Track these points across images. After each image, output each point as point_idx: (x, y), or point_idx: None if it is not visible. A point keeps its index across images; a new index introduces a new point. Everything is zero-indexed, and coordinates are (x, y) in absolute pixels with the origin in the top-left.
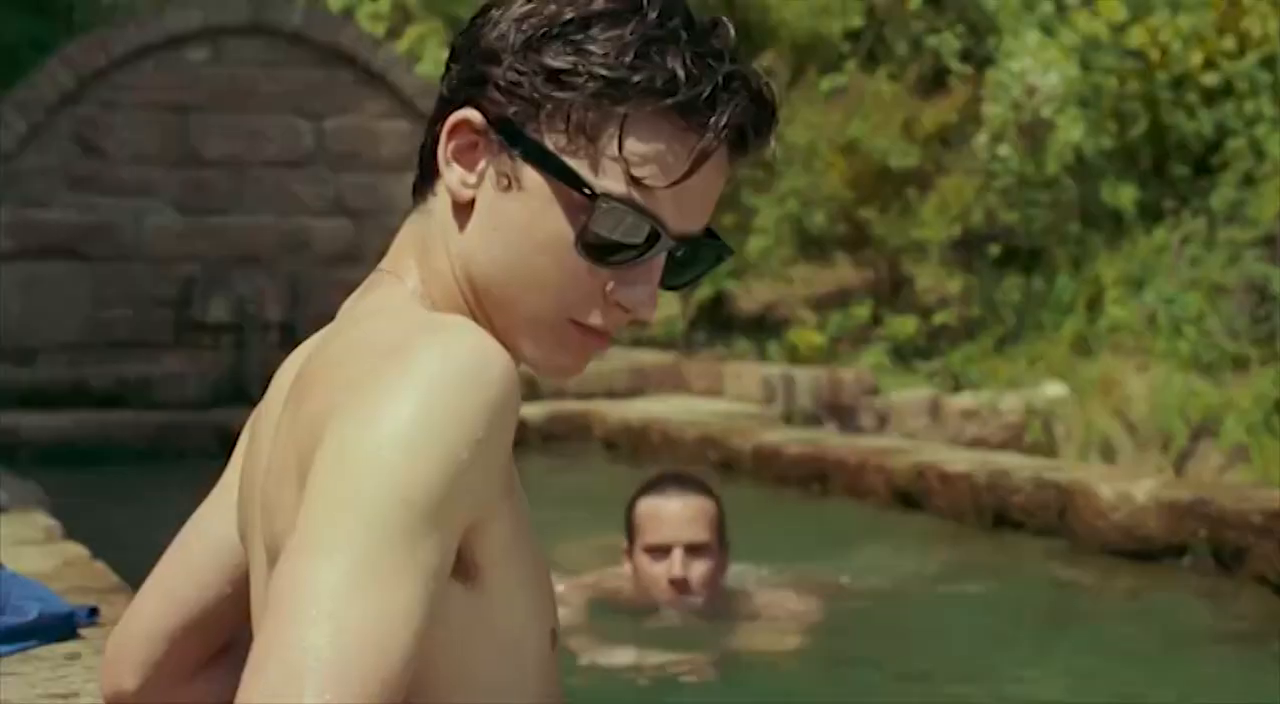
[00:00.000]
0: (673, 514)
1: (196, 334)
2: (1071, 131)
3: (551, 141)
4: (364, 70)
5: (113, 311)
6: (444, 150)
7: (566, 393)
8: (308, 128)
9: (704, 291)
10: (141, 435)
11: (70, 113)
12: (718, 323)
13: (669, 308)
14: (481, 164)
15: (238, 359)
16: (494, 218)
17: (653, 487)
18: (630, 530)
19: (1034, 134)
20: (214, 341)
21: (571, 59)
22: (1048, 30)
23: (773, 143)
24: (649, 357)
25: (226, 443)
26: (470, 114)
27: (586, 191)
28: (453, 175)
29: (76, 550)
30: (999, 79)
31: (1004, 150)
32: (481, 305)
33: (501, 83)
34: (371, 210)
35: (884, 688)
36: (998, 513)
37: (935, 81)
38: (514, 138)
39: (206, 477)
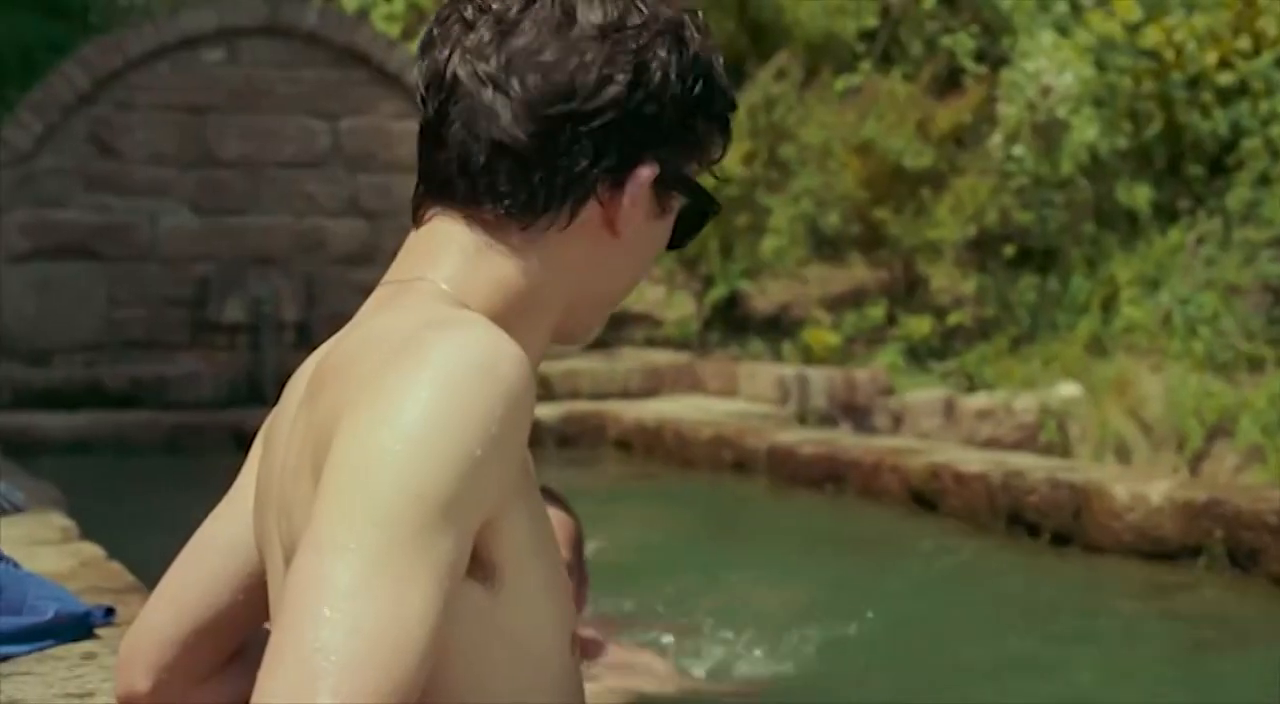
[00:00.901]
0: None
1: (212, 334)
2: (1086, 131)
3: (687, 168)
4: (379, 71)
5: (128, 312)
6: (629, 202)
7: (581, 393)
8: (323, 128)
9: (719, 292)
10: (157, 435)
11: (86, 114)
12: (732, 323)
13: (684, 308)
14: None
15: (253, 359)
16: (633, 241)
17: None
18: None
19: (1049, 134)
20: (229, 342)
21: (721, 102)
22: (1062, 30)
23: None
24: (663, 357)
25: (242, 442)
26: (653, 171)
27: (714, 210)
28: (626, 221)
29: (92, 550)
30: (1013, 79)
31: (1019, 150)
32: (564, 305)
33: (680, 136)
34: (387, 211)
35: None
36: (1012, 513)
37: (950, 81)
38: (677, 177)
39: (222, 476)
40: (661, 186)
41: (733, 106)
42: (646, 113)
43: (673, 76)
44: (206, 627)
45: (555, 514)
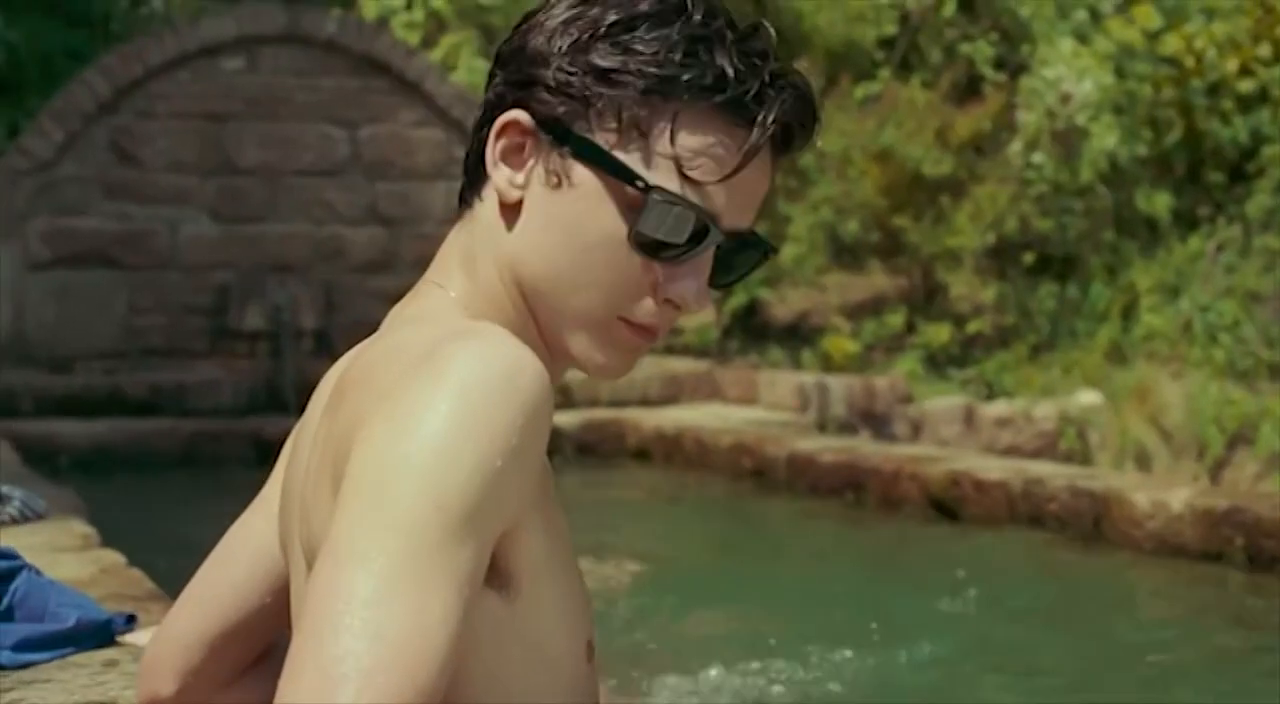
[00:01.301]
0: None
1: (231, 342)
2: (1106, 139)
3: (603, 139)
4: (398, 79)
5: (148, 319)
6: (492, 151)
7: (600, 401)
8: (342, 136)
9: (738, 299)
10: (176, 443)
11: (107, 122)
12: (752, 331)
13: (703, 316)
14: (530, 164)
15: (272, 367)
16: (543, 217)
17: None
18: None
19: (1068, 141)
20: (249, 349)
21: (621, 58)
22: (1082, 38)
23: (818, 142)
24: (683, 364)
25: (261, 450)
26: (518, 115)
27: (640, 185)
28: (501, 176)
29: (113, 557)
30: (1033, 86)
31: (1038, 158)
32: (530, 309)
33: (551, 83)
34: (405, 218)
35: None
36: (1033, 520)
37: (969, 89)
38: (564, 136)
39: (241, 483)
40: (549, 140)
41: (662, 88)
42: (523, 56)
43: (556, 27)
44: (232, 630)
45: None
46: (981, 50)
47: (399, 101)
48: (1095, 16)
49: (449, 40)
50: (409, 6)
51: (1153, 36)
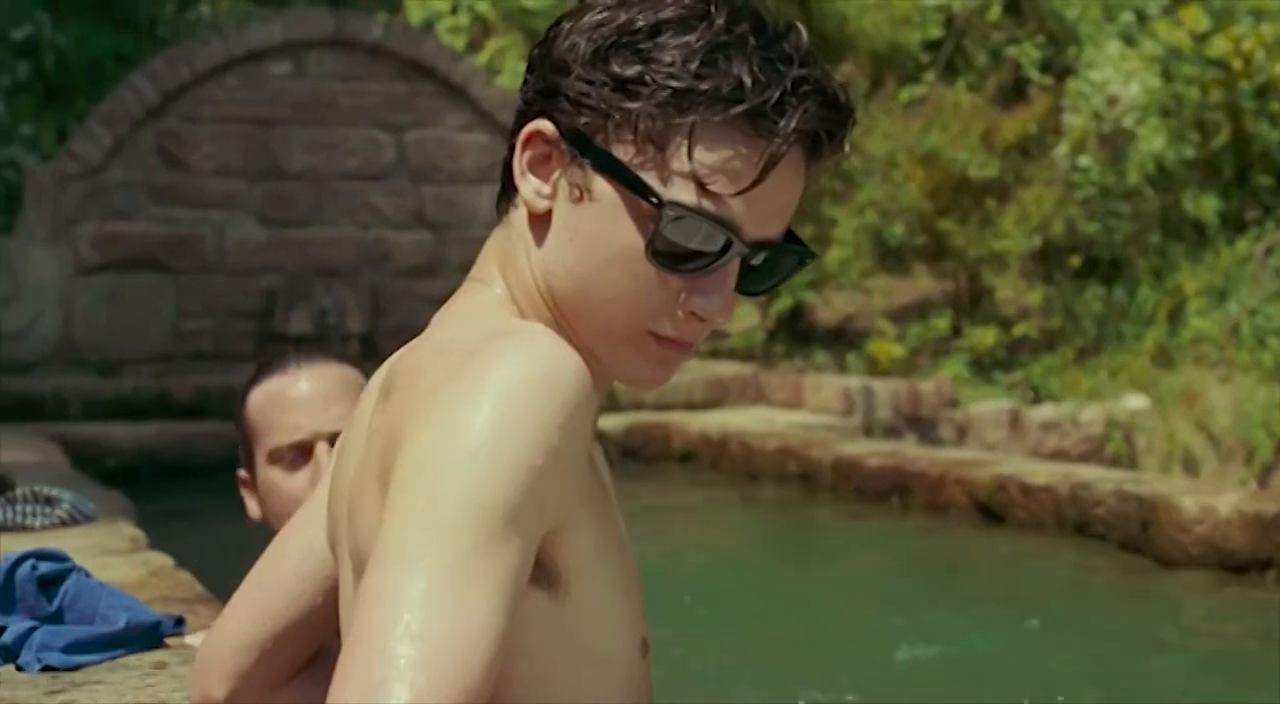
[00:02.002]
0: (304, 394)
1: (278, 345)
2: (1153, 141)
3: (621, 151)
4: (444, 83)
5: (196, 323)
6: (519, 162)
7: (645, 404)
8: (388, 140)
9: (783, 303)
10: (224, 446)
11: (154, 126)
12: (797, 334)
13: (748, 319)
14: (556, 175)
15: None
16: (568, 230)
17: (269, 367)
18: (246, 445)
19: (1115, 144)
20: None
21: (638, 68)
22: (1129, 40)
23: (848, 146)
24: (728, 368)
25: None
26: (543, 125)
27: (654, 201)
28: (528, 186)
29: (161, 560)
30: (1079, 89)
31: (1084, 161)
32: (564, 316)
33: (571, 93)
34: (452, 222)
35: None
36: (1079, 525)
37: (1015, 92)
38: (584, 148)
39: None
40: (572, 151)
41: (678, 100)
42: (548, 62)
43: (581, 33)
44: (285, 631)
45: (335, 372)
46: (1027, 53)
47: (445, 106)
48: (1142, 19)
49: (494, 44)
50: (454, 11)
51: (1200, 38)
